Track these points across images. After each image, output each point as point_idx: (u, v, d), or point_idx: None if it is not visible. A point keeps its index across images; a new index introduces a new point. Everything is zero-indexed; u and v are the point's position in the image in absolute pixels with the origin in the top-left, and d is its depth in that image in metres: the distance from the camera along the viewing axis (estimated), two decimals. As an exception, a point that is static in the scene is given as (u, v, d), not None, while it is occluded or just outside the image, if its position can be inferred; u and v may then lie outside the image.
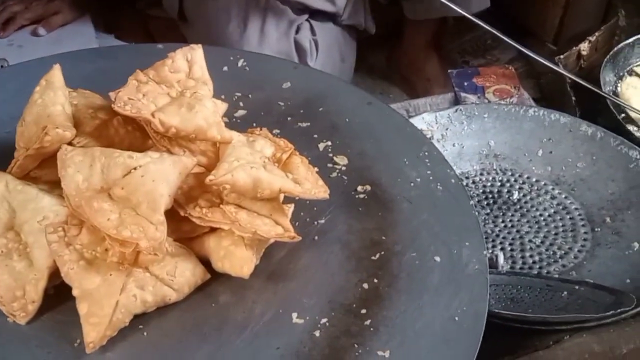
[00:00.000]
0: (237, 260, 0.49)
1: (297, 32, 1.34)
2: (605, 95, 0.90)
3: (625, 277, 0.69)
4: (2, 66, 1.10)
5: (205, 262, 0.51)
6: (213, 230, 0.51)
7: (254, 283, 0.51)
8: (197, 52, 0.57)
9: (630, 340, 0.60)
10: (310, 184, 0.53)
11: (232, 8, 1.27)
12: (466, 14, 0.88)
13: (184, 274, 0.49)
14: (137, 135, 0.54)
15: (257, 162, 0.51)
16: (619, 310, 0.60)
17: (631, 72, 1.01)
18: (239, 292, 0.51)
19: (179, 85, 0.55)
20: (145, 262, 0.48)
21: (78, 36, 1.28)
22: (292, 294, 0.51)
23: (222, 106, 0.59)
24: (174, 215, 0.49)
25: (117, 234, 0.46)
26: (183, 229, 0.50)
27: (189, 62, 0.56)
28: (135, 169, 0.48)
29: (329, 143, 0.64)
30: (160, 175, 0.48)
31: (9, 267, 0.47)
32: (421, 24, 1.46)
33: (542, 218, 0.79)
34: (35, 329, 0.48)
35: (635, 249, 0.73)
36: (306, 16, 1.36)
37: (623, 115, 0.91)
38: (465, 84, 1.08)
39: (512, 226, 0.78)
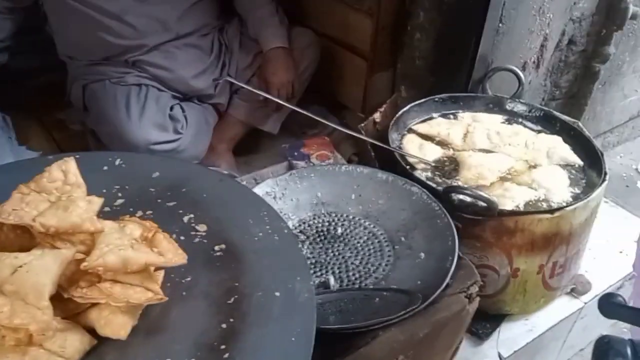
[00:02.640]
0: (116, 325, 0.46)
1: (171, 109, 1.32)
2: (393, 150, 0.94)
3: (417, 280, 0.71)
4: None
5: (92, 330, 0.47)
6: (95, 303, 0.47)
7: (134, 340, 0.47)
8: (70, 163, 0.54)
9: (423, 327, 0.62)
10: (171, 254, 0.51)
11: (118, 97, 1.25)
12: (288, 105, 0.90)
13: (73, 344, 0.45)
14: (26, 236, 0.49)
15: (125, 244, 0.48)
16: (411, 308, 0.62)
17: (410, 130, 1.07)
18: (122, 350, 0.47)
19: (57, 192, 0.51)
20: (39, 340, 0.43)
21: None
22: (165, 343, 0.48)
23: (98, 201, 0.55)
24: (59, 298, 0.45)
25: (10, 322, 0.42)
26: (69, 307, 0.46)
27: (63, 171, 0.53)
28: (21, 266, 0.44)
29: (192, 215, 0.62)
30: (43, 268, 0.44)
31: None
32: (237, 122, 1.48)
33: (359, 244, 0.80)
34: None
35: (422, 258, 0.75)
36: (178, 101, 1.36)
37: (406, 162, 0.95)
38: (295, 153, 1.09)
39: (339, 254, 0.79)
